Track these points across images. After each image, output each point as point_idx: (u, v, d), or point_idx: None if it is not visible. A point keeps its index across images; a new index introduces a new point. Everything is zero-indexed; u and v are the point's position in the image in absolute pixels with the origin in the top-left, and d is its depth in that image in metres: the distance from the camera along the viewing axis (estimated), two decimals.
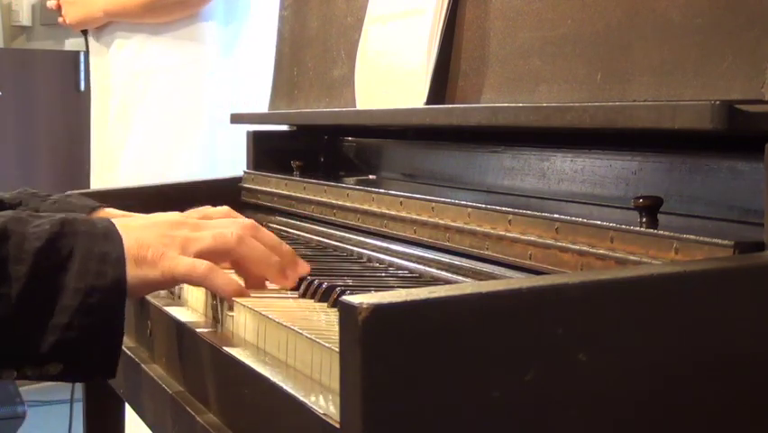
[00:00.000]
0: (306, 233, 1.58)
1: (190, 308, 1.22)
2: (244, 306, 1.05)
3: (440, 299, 0.69)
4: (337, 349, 0.72)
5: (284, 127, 1.88)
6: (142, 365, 1.24)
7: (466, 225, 1.16)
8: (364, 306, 0.67)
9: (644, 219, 0.93)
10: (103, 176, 2.55)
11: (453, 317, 0.69)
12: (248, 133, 1.88)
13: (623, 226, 0.93)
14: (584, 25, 1.10)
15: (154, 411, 1.21)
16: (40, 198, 1.46)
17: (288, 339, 0.93)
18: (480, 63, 1.29)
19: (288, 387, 0.86)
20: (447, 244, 1.20)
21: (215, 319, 1.14)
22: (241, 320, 1.06)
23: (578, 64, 1.10)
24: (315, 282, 1.12)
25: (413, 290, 0.70)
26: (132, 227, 1.08)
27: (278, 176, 1.70)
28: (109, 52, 2.52)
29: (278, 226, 1.68)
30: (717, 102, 0.82)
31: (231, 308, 1.08)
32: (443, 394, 0.68)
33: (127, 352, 1.30)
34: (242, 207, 1.79)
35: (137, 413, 1.32)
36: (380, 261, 1.33)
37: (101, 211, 1.42)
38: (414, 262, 1.27)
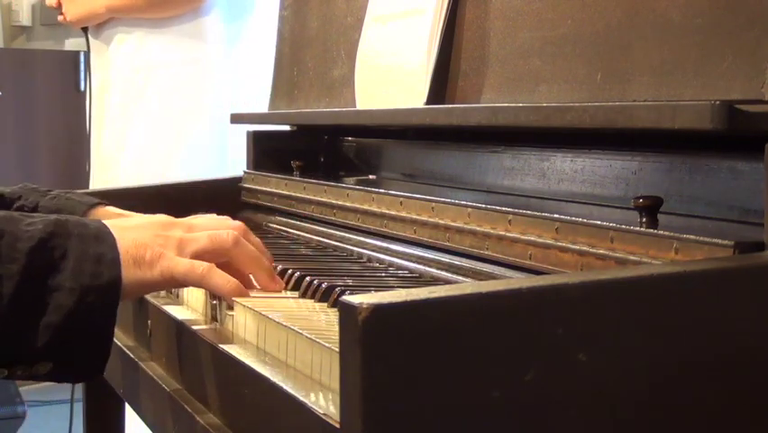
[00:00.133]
0: (306, 233, 1.58)
1: (190, 308, 1.22)
2: (244, 306, 1.05)
3: (440, 299, 0.69)
4: (337, 349, 0.72)
5: (284, 127, 1.88)
6: (142, 365, 1.24)
7: (466, 225, 1.16)
8: (364, 306, 0.67)
9: (644, 219, 0.93)
10: (102, 175, 2.54)
11: (453, 317, 0.69)
12: (248, 133, 1.88)
13: (623, 226, 0.93)
14: (584, 25, 1.10)
15: (154, 411, 1.21)
16: (40, 193, 1.46)
17: (288, 339, 0.93)
18: (480, 63, 1.29)
19: (288, 387, 0.86)
20: (447, 244, 1.20)
21: (215, 319, 1.14)
22: (241, 320, 1.06)
23: (578, 64, 1.10)
24: (315, 282, 1.12)
25: (413, 290, 0.70)
26: (127, 228, 1.08)
27: (278, 176, 1.70)
28: (109, 48, 2.51)
29: (278, 226, 1.68)
30: (717, 102, 0.82)
31: (230, 308, 1.08)
32: (443, 394, 0.68)
33: (126, 351, 1.30)
34: (242, 207, 1.79)
35: (137, 413, 1.32)
36: (380, 261, 1.33)
37: (99, 208, 1.42)
38: (414, 262, 1.27)
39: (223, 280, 1.07)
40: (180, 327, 1.15)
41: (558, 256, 1.00)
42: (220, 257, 1.11)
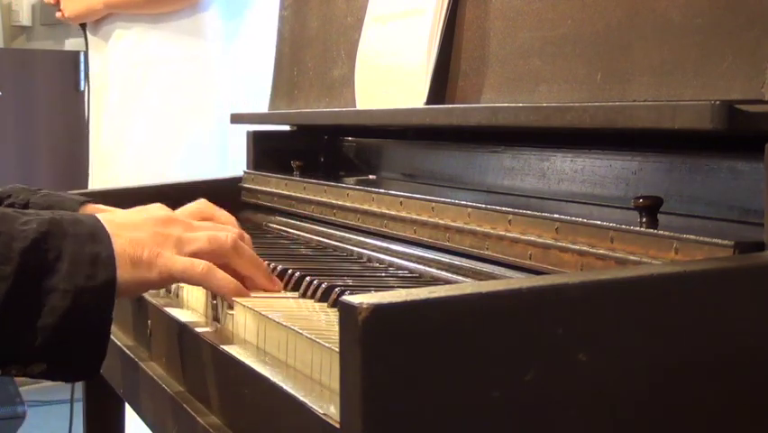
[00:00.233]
0: (306, 233, 1.58)
1: (190, 308, 1.22)
2: (244, 306, 1.05)
3: (440, 299, 0.69)
4: (337, 349, 0.72)
5: (284, 127, 1.88)
6: (142, 365, 1.24)
7: (466, 225, 1.16)
8: (364, 306, 0.67)
9: (644, 219, 0.93)
10: (102, 172, 2.53)
11: (453, 317, 0.69)
12: (248, 132, 1.88)
13: (623, 226, 0.93)
14: (584, 25, 1.10)
15: (154, 411, 1.21)
16: (30, 191, 1.45)
17: (288, 339, 0.93)
18: (480, 63, 1.29)
19: (288, 387, 0.86)
20: (447, 244, 1.20)
21: (215, 319, 1.14)
22: (241, 320, 1.06)
23: (578, 64, 1.10)
24: (315, 282, 1.12)
25: (413, 290, 0.70)
26: (124, 225, 1.07)
27: (278, 176, 1.70)
28: (108, 44, 2.50)
29: (279, 226, 1.68)
30: (717, 102, 0.82)
31: (231, 307, 1.08)
32: (443, 394, 0.68)
33: (126, 351, 1.30)
34: (242, 207, 1.79)
35: (137, 413, 1.32)
36: (380, 261, 1.33)
37: (89, 206, 1.42)
38: (414, 262, 1.27)
39: (223, 279, 1.07)
40: (180, 328, 1.15)
41: (558, 256, 1.00)
42: (218, 258, 1.10)
